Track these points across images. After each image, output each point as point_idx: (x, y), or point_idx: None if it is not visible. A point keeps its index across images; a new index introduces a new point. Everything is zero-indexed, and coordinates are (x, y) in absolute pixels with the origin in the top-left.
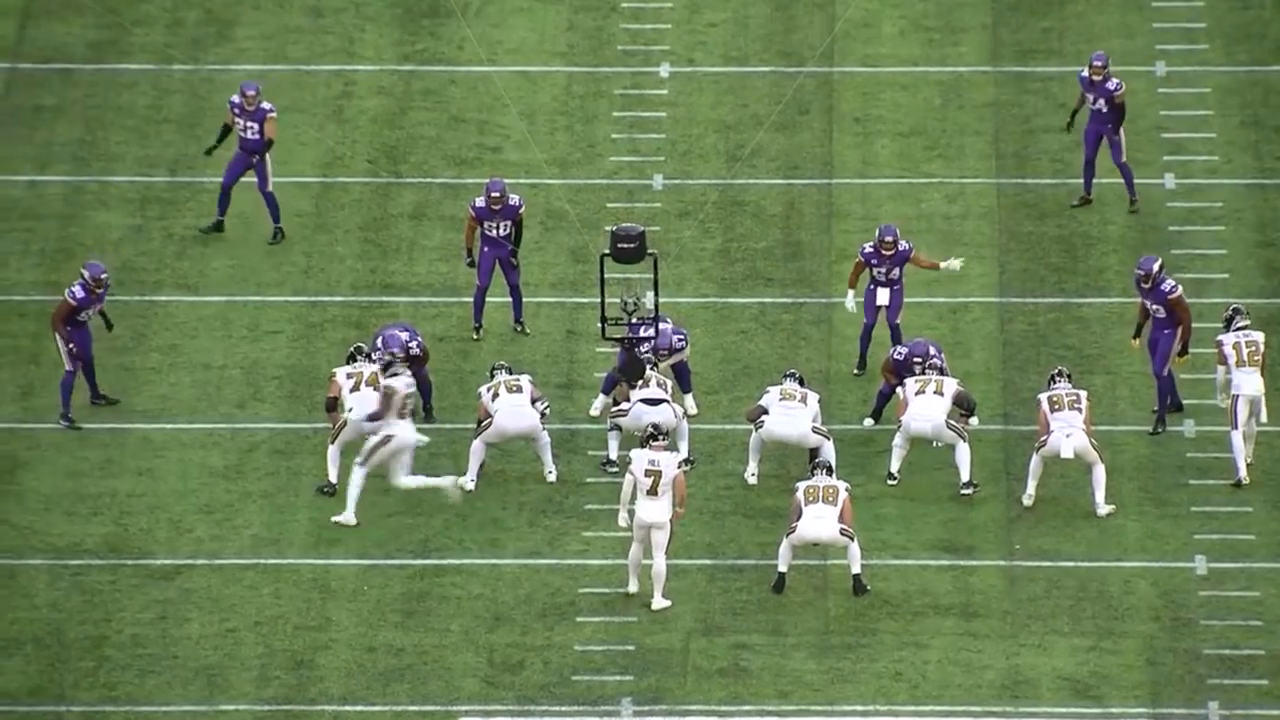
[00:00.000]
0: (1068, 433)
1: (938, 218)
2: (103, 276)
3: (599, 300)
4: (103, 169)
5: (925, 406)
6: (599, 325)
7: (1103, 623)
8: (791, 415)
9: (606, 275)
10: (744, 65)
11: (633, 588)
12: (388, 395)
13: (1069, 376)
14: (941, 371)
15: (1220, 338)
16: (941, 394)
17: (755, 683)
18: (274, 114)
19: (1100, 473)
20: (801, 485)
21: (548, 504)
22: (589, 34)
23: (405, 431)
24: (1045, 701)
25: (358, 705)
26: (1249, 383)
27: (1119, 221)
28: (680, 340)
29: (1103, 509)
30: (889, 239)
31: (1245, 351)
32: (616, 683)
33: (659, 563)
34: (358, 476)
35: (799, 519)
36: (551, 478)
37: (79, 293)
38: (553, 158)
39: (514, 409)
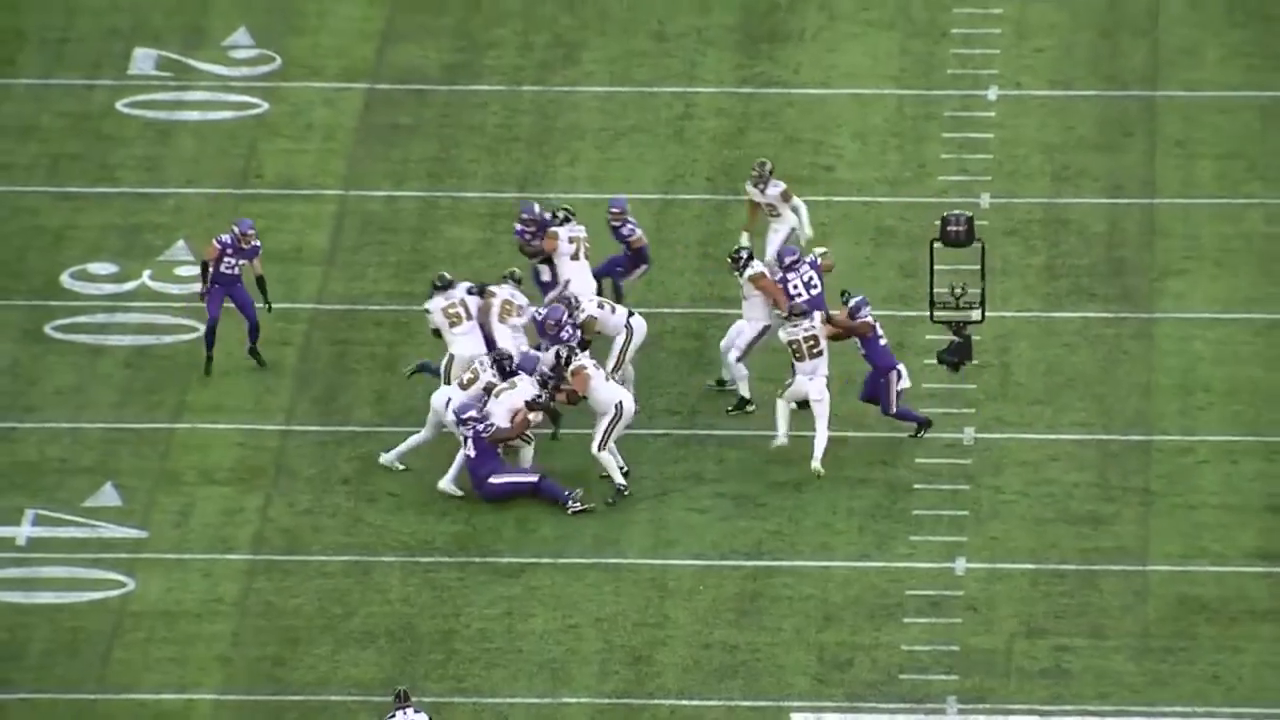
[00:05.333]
0: None
1: (1257, 237)
2: (250, 233)
3: (929, 284)
4: (455, 185)
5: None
6: (928, 309)
7: None
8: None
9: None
10: (1069, 89)
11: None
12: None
13: None
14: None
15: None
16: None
17: (1076, 684)
18: None
19: None
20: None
21: (876, 509)
22: (920, 58)
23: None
24: None
25: (694, 700)
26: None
27: None
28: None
29: None
30: None
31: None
32: (942, 682)
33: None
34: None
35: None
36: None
37: (225, 239)
38: (884, 177)
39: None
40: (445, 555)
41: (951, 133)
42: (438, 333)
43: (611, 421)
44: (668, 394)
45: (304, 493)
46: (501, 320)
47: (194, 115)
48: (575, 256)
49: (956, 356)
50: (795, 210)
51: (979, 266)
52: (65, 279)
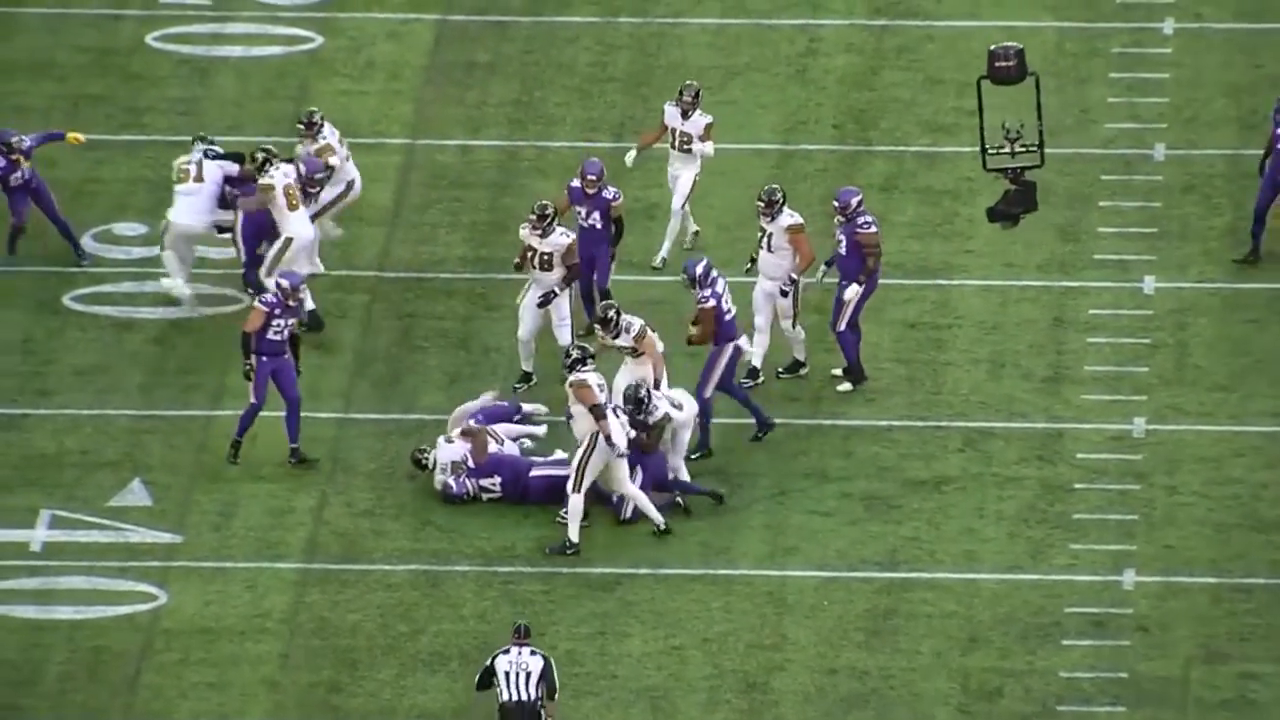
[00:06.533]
0: None
1: None
2: (300, 287)
3: (979, 129)
4: (540, 133)
5: None
6: (979, 155)
7: None
8: None
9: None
10: (1258, 21)
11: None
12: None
13: None
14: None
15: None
16: None
17: (1264, 717)
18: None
19: None
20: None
21: (1030, 512)
22: None
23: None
24: None
25: None
26: None
27: None
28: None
29: None
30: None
31: None
32: (1107, 714)
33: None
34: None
35: None
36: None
37: (270, 299)
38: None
39: None
40: (527, 565)
41: (1120, 72)
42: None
43: (586, 453)
44: (786, 376)
45: (364, 491)
46: (291, 209)
47: (236, 50)
48: (294, 206)
49: (1017, 207)
50: (703, 155)
51: (1035, 104)
52: (87, 241)
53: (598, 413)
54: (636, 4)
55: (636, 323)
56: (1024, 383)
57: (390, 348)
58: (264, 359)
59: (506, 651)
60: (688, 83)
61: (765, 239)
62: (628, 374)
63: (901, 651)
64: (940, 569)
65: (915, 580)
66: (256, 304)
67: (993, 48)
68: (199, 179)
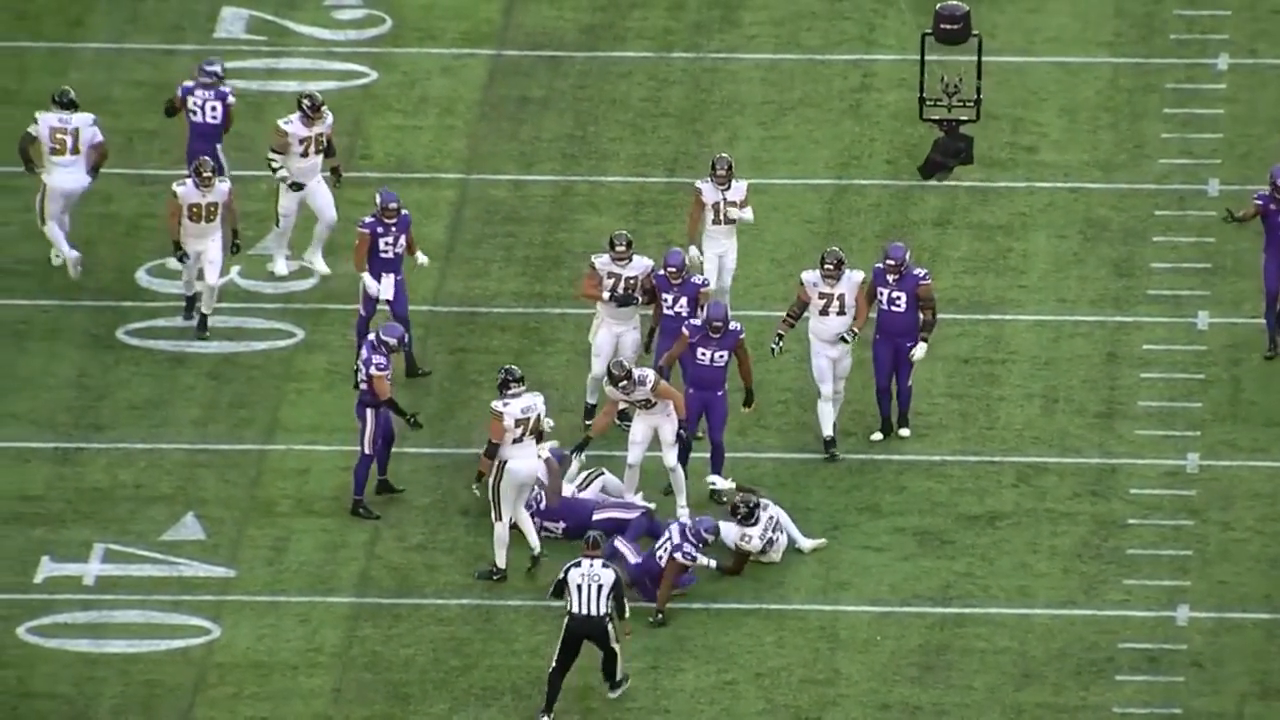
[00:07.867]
0: None
1: None
2: (403, 340)
3: (919, 82)
4: (594, 168)
5: None
6: (918, 105)
7: None
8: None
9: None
10: None
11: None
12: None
13: None
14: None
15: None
16: None
17: None
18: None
19: None
20: None
21: (1084, 548)
22: (1138, 21)
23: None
24: None
25: None
26: None
27: None
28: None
29: None
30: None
31: None
32: None
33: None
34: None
35: None
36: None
37: (376, 358)
38: (1095, 159)
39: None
40: None
41: (1174, 108)
42: (29, 163)
43: (495, 479)
44: (841, 412)
45: (416, 525)
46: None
47: (291, 86)
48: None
49: (952, 158)
50: (745, 221)
51: (975, 62)
52: (141, 276)
53: (490, 451)
54: (690, 39)
55: (650, 374)
56: (1077, 418)
57: (443, 382)
58: (381, 411)
59: (578, 564)
60: (719, 156)
61: (831, 303)
62: (641, 424)
63: (955, 687)
64: (994, 604)
65: (968, 615)
66: (375, 370)
67: (939, 8)
68: (75, 150)
